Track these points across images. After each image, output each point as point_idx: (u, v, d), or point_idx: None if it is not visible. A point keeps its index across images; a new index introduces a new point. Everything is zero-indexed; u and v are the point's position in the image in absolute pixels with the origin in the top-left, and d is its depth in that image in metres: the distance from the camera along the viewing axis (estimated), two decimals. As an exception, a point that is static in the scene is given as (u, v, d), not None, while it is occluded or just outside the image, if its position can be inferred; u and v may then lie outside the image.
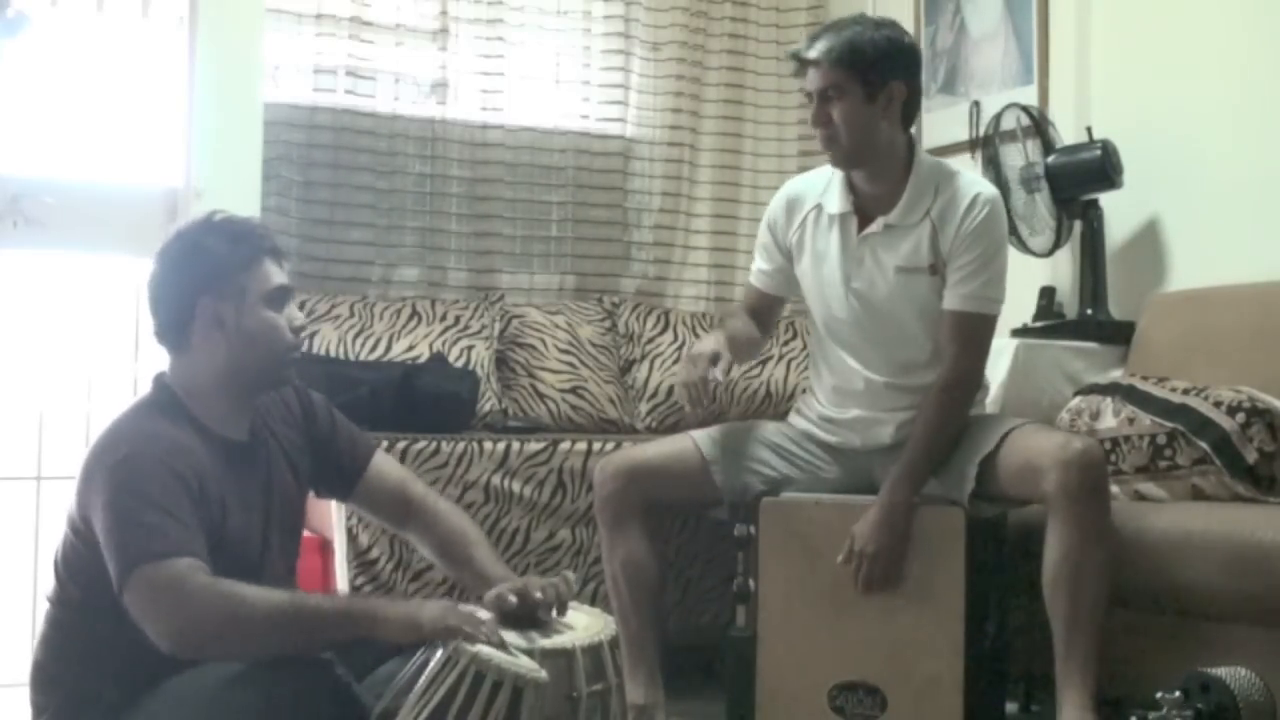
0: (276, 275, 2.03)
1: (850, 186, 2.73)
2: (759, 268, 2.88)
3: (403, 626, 1.83)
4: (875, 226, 2.69)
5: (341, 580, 2.91)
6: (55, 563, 1.97)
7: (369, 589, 2.90)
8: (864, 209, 2.71)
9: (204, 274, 1.99)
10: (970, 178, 2.75)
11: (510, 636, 1.86)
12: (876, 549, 2.54)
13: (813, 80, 2.65)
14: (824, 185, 2.78)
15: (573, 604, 2.05)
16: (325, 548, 3.07)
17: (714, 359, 2.57)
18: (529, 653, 1.83)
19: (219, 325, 1.99)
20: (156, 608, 1.78)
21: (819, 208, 2.77)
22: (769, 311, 2.91)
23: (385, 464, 2.25)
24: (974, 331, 2.66)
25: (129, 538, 1.81)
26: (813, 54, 2.64)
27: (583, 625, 1.97)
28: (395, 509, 2.22)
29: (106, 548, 1.83)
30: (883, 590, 2.54)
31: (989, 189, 2.71)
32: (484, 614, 1.88)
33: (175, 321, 2.01)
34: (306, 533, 2.50)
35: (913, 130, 2.74)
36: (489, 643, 1.80)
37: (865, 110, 2.62)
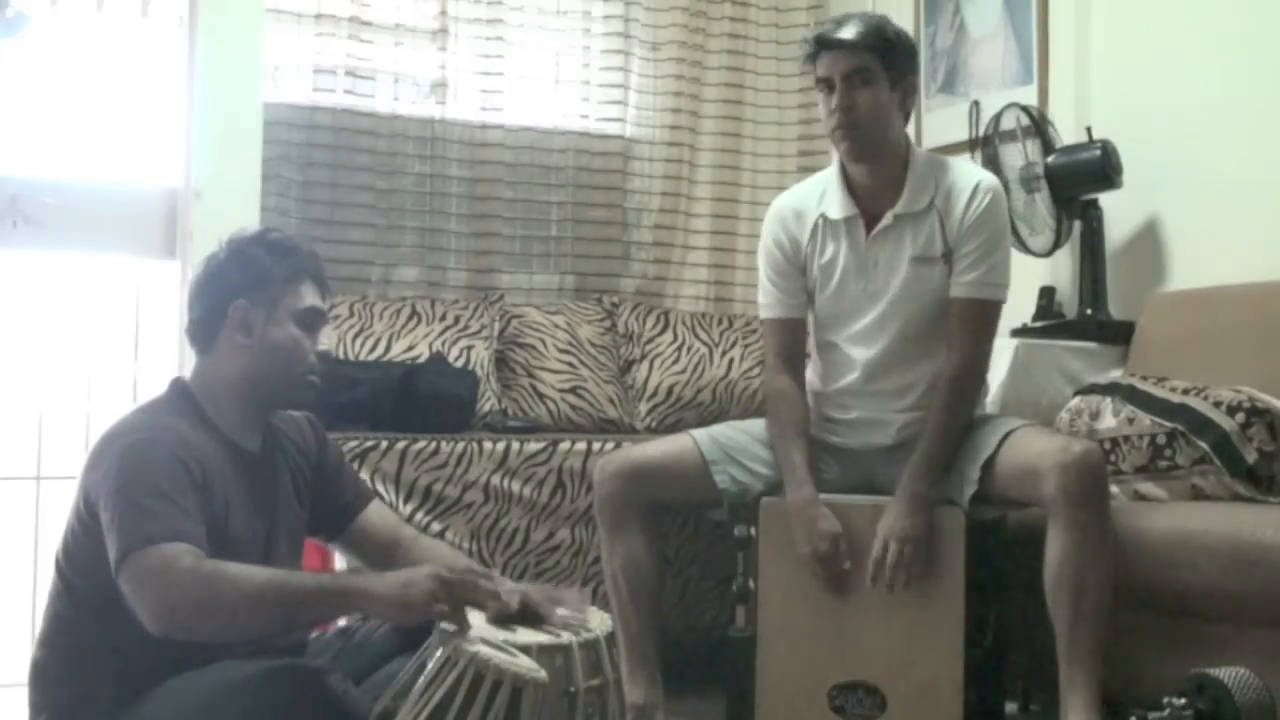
0: (312, 297, 2.06)
1: (849, 189, 2.72)
2: (778, 298, 2.78)
3: (391, 604, 1.81)
4: (886, 220, 2.68)
5: (341, 580, 2.91)
6: (57, 556, 1.97)
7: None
8: (867, 209, 2.71)
9: (243, 278, 2.03)
10: (968, 167, 2.77)
11: (507, 633, 1.86)
12: (905, 534, 2.52)
13: (839, 63, 2.62)
14: (819, 194, 2.76)
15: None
16: (325, 549, 3.07)
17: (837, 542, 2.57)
18: (525, 649, 1.83)
19: (246, 330, 2.01)
20: (144, 590, 1.79)
21: (822, 215, 2.75)
22: (799, 343, 2.79)
23: (381, 511, 2.26)
24: (981, 318, 2.66)
25: (127, 521, 1.81)
26: (845, 35, 2.62)
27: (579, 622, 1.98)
28: (379, 557, 2.20)
29: (108, 532, 1.84)
30: (910, 579, 2.52)
31: (989, 177, 2.72)
32: (485, 583, 1.87)
33: (206, 319, 2.04)
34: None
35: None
36: (487, 641, 1.80)
37: (888, 99, 2.63)
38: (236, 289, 2.02)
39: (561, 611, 1.95)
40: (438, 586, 1.78)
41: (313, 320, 2.06)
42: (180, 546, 1.80)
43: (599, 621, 1.98)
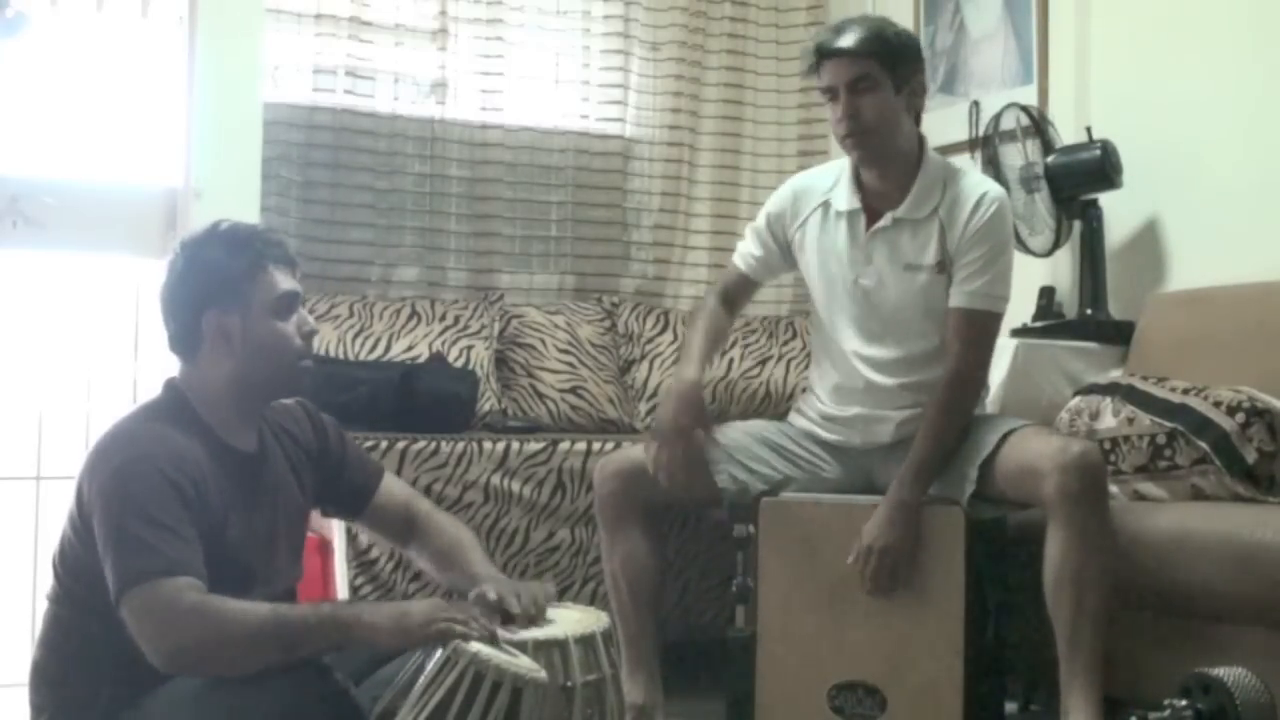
0: (282, 282, 2.01)
1: (859, 183, 2.73)
2: (750, 252, 2.88)
3: (390, 633, 1.82)
4: (884, 221, 2.69)
5: (341, 580, 2.91)
6: (54, 560, 1.97)
7: (369, 589, 2.90)
8: (872, 206, 2.72)
9: (207, 287, 1.99)
10: (978, 177, 2.76)
11: (503, 632, 1.86)
12: (885, 546, 2.54)
13: (841, 72, 2.62)
14: (831, 182, 2.78)
15: (566, 602, 2.06)
16: (325, 548, 3.07)
17: (684, 433, 2.64)
18: (521, 645, 1.83)
19: (226, 338, 1.98)
20: (147, 630, 1.79)
21: (826, 204, 2.77)
22: (745, 295, 2.95)
23: (393, 485, 2.25)
24: (979, 329, 2.66)
25: (123, 555, 1.80)
26: (846, 44, 2.61)
27: (575, 619, 1.98)
28: (400, 529, 2.22)
29: (104, 561, 1.83)
30: (890, 589, 2.54)
31: (996, 189, 2.71)
32: (477, 611, 1.87)
33: (184, 335, 2.01)
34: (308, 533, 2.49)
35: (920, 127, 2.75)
36: (480, 638, 1.80)
37: (894, 103, 2.63)
38: (202, 300, 1.98)
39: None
40: (432, 622, 1.80)
41: (289, 304, 2.01)
42: (180, 582, 1.79)
43: (594, 619, 1.98)
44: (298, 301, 2.04)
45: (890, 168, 2.69)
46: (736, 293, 2.92)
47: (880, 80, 2.61)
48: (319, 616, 1.85)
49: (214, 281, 1.98)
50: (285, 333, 2.00)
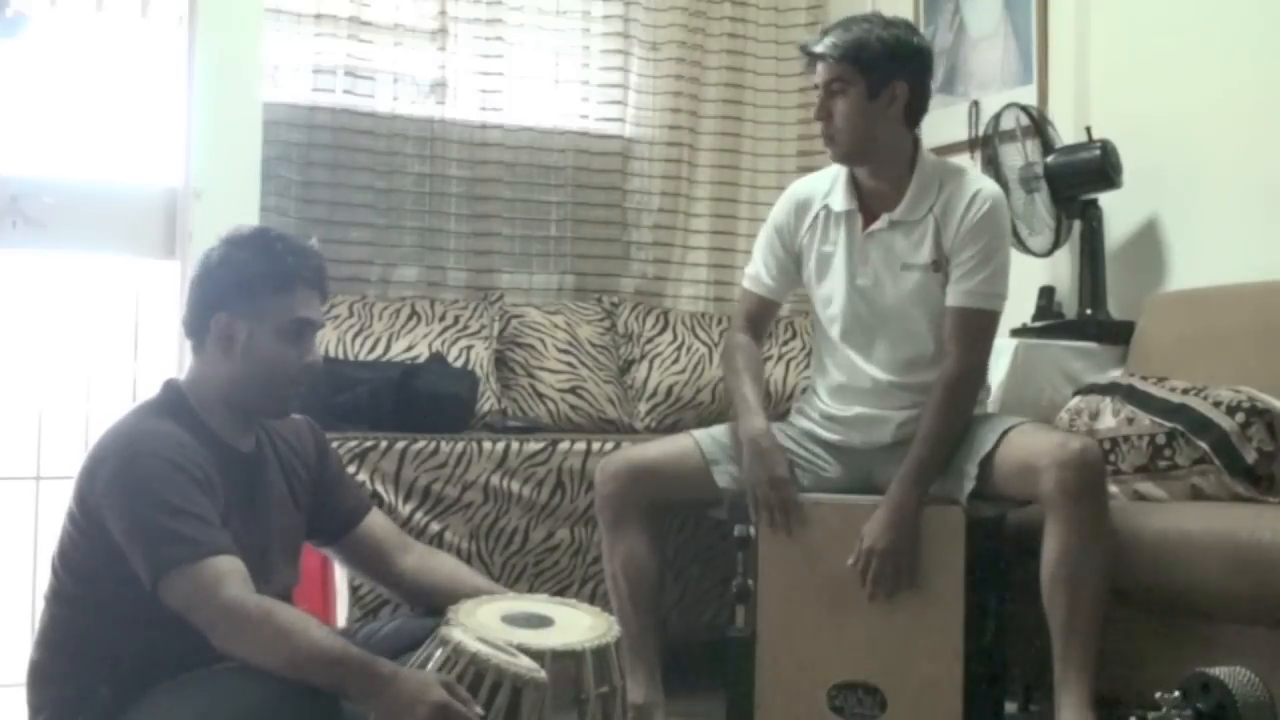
0: (304, 307, 2.01)
1: (854, 184, 2.74)
2: (762, 273, 2.86)
3: (397, 709, 1.75)
4: (880, 223, 2.70)
5: (340, 582, 2.91)
6: (53, 558, 1.97)
7: (367, 590, 2.89)
8: (868, 206, 2.72)
9: (227, 288, 1.99)
10: (974, 175, 2.76)
11: (522, 635, 1.86)
12: (885, 548, 2.54)
13: (819, 73, 2.68)
14: (829, 185, 2.79)
15: (574, 603, 2.05)
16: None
17: (778, 484, 2.63)
18: (539, 654, 1.82)
19: (228, 343, 1.98)
20: (196, 607, 1.80)
21: (826, 207, 2.77)
22: (767, 317, 2.91)
23: (380, 520, 2.23)
24: (976, 327, 2.66)
25: (156, 545, 1.81)
26: (819, 48, 2.66)
27: (587, 625, 1.97)
28: (374, 566, 2.20)
29: (132, 555, 1.83)
30: (892, 591, 2.54)
31: (991, 186, 2.71)
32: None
33: (193, 324, 2.02)
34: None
35: (918, 131, 2.74)
36: (489, 641, 1.80)
37: (867, 107, 2.63)
38: (219, 300, 1.98)
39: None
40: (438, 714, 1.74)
41: (301, 331, 2.01)
42: (219, 563, 1.80)
43: (606, 626, 1.98)
44: (313, 331, 2.04)
45: (878, 168, 2.70)
46: (760, 318, 2.89)
47: (852, 84, 2.63)
48: (353, 661, 1.79)
49: (237, 286, 1.98)
50: (287, 356, 2.00)
